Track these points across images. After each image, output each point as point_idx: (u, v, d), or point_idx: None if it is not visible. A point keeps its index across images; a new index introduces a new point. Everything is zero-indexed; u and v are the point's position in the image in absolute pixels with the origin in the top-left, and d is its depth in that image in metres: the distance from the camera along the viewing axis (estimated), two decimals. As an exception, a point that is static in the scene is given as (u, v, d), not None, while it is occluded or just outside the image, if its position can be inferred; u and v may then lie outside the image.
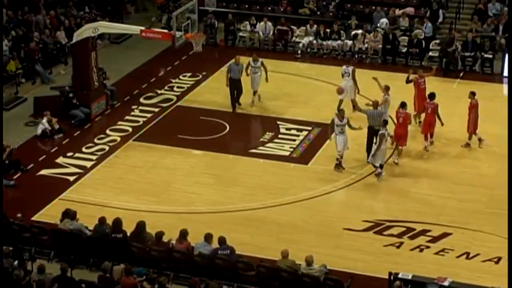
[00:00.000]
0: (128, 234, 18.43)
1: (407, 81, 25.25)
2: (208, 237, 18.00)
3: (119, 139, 24.78)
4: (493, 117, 25.00)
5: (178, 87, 28.60)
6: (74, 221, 18.88)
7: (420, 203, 21.32)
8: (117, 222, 18.52)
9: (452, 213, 20.79)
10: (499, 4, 31.77)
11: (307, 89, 28.06)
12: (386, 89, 24.00)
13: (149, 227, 18.54)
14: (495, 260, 18.81)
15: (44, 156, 23.77)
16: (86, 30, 25.91)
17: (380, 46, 30.63)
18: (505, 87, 28.57)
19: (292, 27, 32.23)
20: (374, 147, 22.17)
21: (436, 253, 19.16)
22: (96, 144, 24.45)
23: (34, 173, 22.92)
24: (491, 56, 29.76)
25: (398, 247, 19.41)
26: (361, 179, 22.43)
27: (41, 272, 16.73)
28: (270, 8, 33.76)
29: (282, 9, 33.50)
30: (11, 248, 17.71)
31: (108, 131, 25.26)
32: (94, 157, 23.69)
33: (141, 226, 18.48)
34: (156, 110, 26.74)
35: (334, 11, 33.08)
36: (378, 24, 31.37)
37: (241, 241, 18.77)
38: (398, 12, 31.89)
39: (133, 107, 27.00)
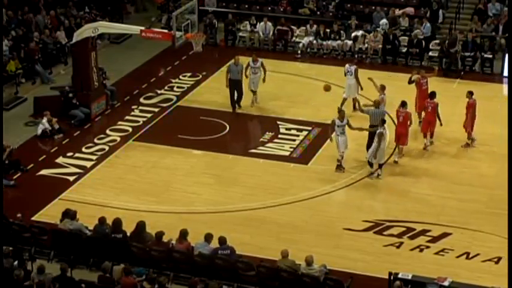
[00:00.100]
0: (128, 234, 18.43)
1: (410, 81, 25.25)
2: (208, 237, 18.01)
3: (118, 139, 24.78)
4: (493, 117, 25.02)
5: (178, 87, 28.61)
6: (74, 221, 18.88)
7: (420, 203, 21.32)
8: (117, 222, 18.52)
9: (452, 213, 20.79)
10: (499, 4, 31.77)
11: (307, 89, 28.06)
12: (382, 88, 24.02)
13: (149, 227, 18.54)
14: (495, 260, 18.81)
15: (44, 156, 23.77)
16: (86, 30, 25.91)
17: (380, 46, 30.63)
18: (505, 87, 28.57)
19: (292, 27, 32.23)
20: (374, 145, 22.14)
21: (436, 253, 19.17)
22: (96, 144, 24.45)
23: (34, 173, 22.92)
24: (491, 56, 29.77)
25: (398, 247, 19.41)
26: (361, 179, 22.43)
27: (41, 272, 16.73)
28: (270, 8, 33.76)
29: (282, 9, 33.51)
30: (11, 248, 17.71)
31: (108, 131, 25.26)
32: (94, 157, 23.69)
33: (141, 226, 18.48)
34: (156, 110, 26.75)
35: (334, 11, 33.07)
36: (379, 24, 31.38)
37: (241, 241, 18.77)
38: (398, 12, 31.90)
39: (133, 107, 27.00)
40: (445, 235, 19.79)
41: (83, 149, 24.12)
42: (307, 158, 23.59)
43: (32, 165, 23.15)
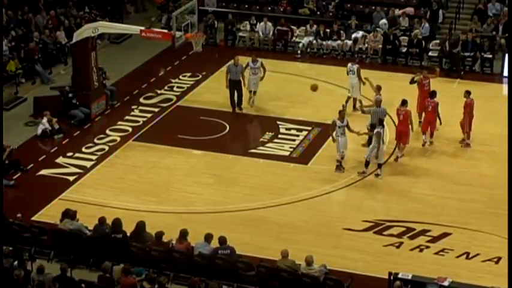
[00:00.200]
0: (128, 234, 18.43)
1: (412, 81, 25.24)
2: (208, 237, 18.00)
3: (118, 139, 24.78)
4: (493, 117, 25.03)
5: (178, 87, 28.61)
6: (74, 221, 18.87)
7: (420, 203, 21.32)
8: (117, 222, 18.51)
9: (452, 213, 20.79)
10: (498, 4, 31.76)
11: (307, 89, 27.88)
12: (378, 88, 24.03)
13: (149, 227, 18.53)
14: (495, 260, 18.81)
15: (44, 156, 23.77)
16: (86, 30, 25.91)
17: (380, 46, 30.63)
18: (504, 87, 28.56)
19: (292, 27, 32.22)
20: (372, 146, 22.12)
21: (436, 253, 19.17)
22: (96, 144, 24.45)
23: (34, 173, 22.91)
24: (491, 56, 29.76)
25: (398, 247, 19.41)
26: (361, 179, 22.43)
27: (41, 272, 16.72)
28: (269, 8, 33.76)
29: (281, 9, 33.50)
30: (11, 248, 17.70)
31: (108, 131, 25.26)
32: (94, 157, 23.68)
33: (141, 226, 18.47)
34: (156, 110, 26.75)
35: (334, 11, 33.06)
36: (379, 24, 31.38)
37: (241, 241, 18.77)
38: (398, 12, 31.90)
39: (133, 107, 27.00)
40: (445, 235, 19.79)
41: (83, 149, 24.12)
42: (307, 158, 23.59)
43: (32, 165, 23.15)
